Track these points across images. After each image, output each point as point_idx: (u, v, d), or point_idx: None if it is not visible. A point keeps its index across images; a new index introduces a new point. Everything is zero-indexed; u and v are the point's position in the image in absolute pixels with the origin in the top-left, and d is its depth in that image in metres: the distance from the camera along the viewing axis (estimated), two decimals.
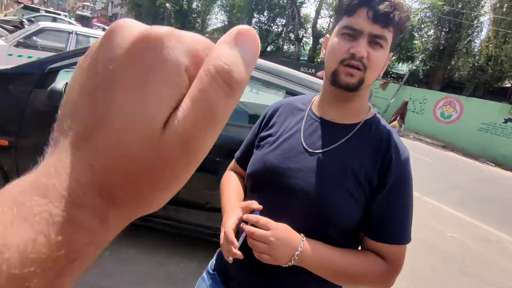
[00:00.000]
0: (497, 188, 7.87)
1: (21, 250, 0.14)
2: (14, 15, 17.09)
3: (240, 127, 2.26)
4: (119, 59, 0.16)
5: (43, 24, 6.36)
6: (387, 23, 0.72)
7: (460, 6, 16.19)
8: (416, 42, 18.70)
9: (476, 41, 16.87)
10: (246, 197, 0.91)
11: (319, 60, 25.32)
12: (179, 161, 0.17)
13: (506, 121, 12.21)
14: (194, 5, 39.45)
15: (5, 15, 19.63)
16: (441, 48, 17.06)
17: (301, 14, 27.46)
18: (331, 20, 25.29)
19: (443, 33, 17.29)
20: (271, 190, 0.81)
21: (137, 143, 0.16)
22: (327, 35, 0.84)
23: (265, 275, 0.78)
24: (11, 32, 8.39)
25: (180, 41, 0.17)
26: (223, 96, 0.17)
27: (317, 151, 0.79)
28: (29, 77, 2.12)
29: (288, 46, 31.02)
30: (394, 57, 17.85)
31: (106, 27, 28.06)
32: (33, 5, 23.69)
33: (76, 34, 6.29)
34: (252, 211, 0.78)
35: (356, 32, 0.73)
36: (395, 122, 12.25)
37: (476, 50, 16.59)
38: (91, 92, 0.17)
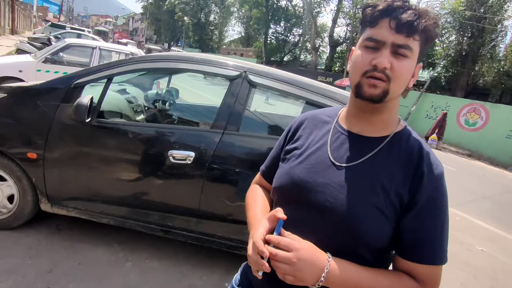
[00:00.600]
0: None
1: None
2: (42, 33, 18.01)
3: (261, 138, 2.25)
4: None
5: (68, 40, 6.66)
6: (411, 32, 0.70)
7: (482, 10, 15.77)
8: (437, 48, 18.30)
9: (500, 45, 16.36)
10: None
11: (336, 69, 25.21)
12: None
13: None
14: (211, 18, 40.37)
15: (34, 33, 20.70)
16: (464, 53, 16.62)
17: (318, 24, 27.52)
18: (348, 28, 25.20)
19: (465, 38, 16.85)
20: (298, 205, 0.79)
21: None
22: (353, 47, 0.82)
23: None
24: (39, 49, 8.82)
25: None
26: None
27: (345, 165, 0.77)
28: (56, 92, 2.20)
29: (305, 55, 31.10)
30: None
31: (130, 41, 29.19)
32: (59, 23, 24.92)
33: (100, 49, 6.54)
34: (278, 220, 0.76)
35: (379, 43, 0.71)
36: (434, 135, 11.86)
37: (501, 55, 16.04)
38: None
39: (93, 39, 13.67)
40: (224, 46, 41.93)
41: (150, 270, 2.21)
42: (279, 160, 0.91)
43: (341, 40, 26.31)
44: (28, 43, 11.03)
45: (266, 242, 0.73)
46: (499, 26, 16.03)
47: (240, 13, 37.40)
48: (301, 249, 0.69)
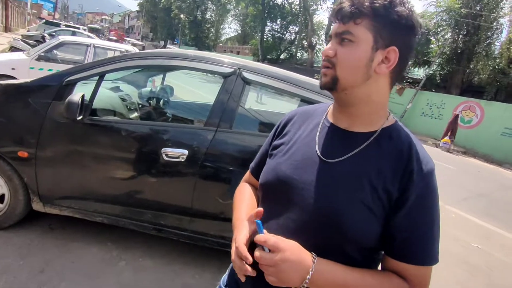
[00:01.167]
0: None
1: None
2: (36, 30, 17.82)
3: (253, 135, 2.23)
4: None
5: (62, 38, 6.59)
6: (347, 18, 0.72)
7: (478, 8, 15.80)
8: (432, 46, 18.32)
9: (496, 43, 16.35)
10: None
11: None
12: None
13: None
14: (207, 16, 40.17)
15: (28, 31, 20.49)
16: (459, 51, 16.64)
17: (314, 21, 27.45)
18: None
19: (460, 36, 16.87)
20: (283, 202, 0.77)
21: None
22: None
23: None
24: (33, 46, 8.72)
25: None
26: None
27: (332, 160, 0.75)
28: (48, 90, 2.17)
29: (301, 53, 31.03)
30: (410, 62, 17.50)
31: (135, 41, 28.97)
32: (54, 20, 24.69)
33: (94, 46, 6.48)
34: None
35: (330, 37, 0.77)
36: (447, 138, 11.85)
37: (496, 52, 16.07)
38: None
39: (89, 37, 13.57)
40: (221, 44, 41.77)
41: (143, 269, 2.20)
42: (267, 157, 0.90)
43: None
44: (22, 40, 10.93)
45: (252, 242, 0.71)
46: (495, 23, 16.06)
47: (237, 10, 37.26)
48: (287, 249, 0.67)
